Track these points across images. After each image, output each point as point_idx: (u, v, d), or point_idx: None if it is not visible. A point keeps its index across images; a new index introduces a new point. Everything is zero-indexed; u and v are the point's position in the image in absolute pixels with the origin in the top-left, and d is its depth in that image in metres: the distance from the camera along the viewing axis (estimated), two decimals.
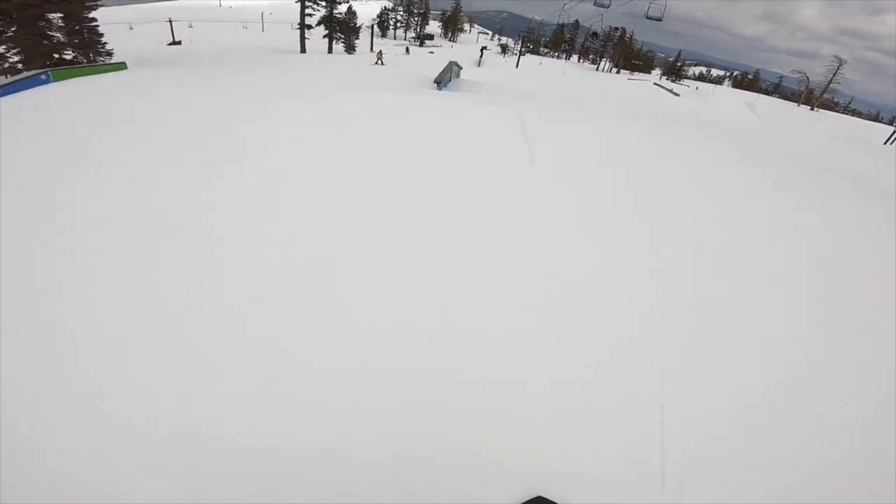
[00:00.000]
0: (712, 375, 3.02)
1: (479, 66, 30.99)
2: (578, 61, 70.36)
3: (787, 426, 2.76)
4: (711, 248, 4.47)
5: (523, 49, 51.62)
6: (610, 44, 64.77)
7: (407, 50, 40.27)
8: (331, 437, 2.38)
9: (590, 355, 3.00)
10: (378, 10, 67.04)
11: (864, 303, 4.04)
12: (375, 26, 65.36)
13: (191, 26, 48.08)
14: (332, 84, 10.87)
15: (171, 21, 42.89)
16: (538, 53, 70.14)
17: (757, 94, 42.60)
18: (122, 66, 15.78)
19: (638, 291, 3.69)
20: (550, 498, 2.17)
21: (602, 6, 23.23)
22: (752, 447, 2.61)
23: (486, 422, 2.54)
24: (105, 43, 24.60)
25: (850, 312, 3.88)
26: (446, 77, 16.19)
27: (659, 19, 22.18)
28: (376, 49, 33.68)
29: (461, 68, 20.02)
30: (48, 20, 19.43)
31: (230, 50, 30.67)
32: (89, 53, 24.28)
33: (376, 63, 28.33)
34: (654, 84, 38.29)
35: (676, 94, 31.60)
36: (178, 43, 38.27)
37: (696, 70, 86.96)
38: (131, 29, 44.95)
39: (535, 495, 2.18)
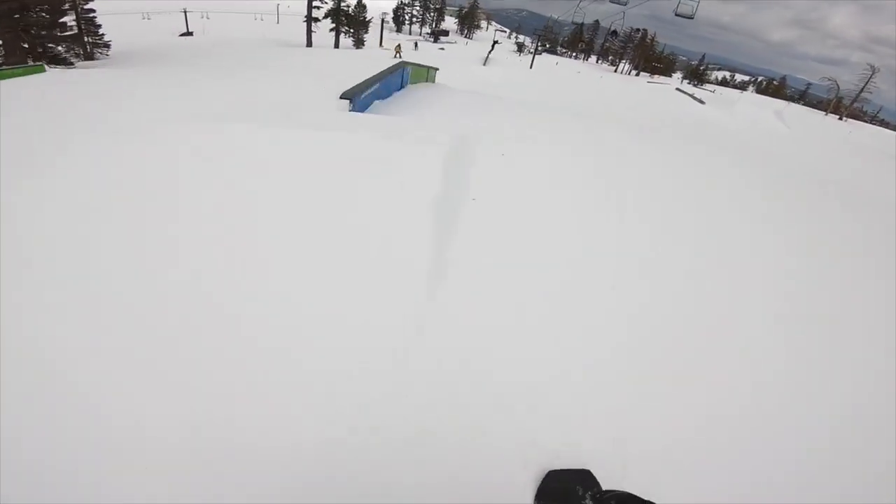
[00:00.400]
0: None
1: (484, 64, 28.60)
2: (597, 62, 67.61)
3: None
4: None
5: (539, 48, 49.14)
6: (630, 45, 61.70)
7: (416, 45, 38.15)
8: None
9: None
10: (394, 5, 65.09)
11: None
12: (391, 20, 63.76)
13: (205, 17, 47.14)
14: (243, 101, 8.01)
15: (185, 11, 42.03)
16: (555, 53, 67.52)
17: (787, 103, 38.87)
18: (39, 68, 14.06)
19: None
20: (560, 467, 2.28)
21: (619, 3, 21.01)
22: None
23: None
24: (103, 34, 23.44)
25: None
26: (376, 87, 9.45)
27: (690, 17, 19.79)
28: (394, 43, 34.40)
29: (436, 69, 15.09)
30: (31, 11, 18.12)
31: (234, 42, 29.39)
32: (85, 45, 23.18)
33: (395, 56, 28.73)
34: (677, 89, 34.51)
35: (701, 102, 27.86)
36: (190, 34, 37.34)
37: (720, 75, 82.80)
38: (148, 19, 44.23)
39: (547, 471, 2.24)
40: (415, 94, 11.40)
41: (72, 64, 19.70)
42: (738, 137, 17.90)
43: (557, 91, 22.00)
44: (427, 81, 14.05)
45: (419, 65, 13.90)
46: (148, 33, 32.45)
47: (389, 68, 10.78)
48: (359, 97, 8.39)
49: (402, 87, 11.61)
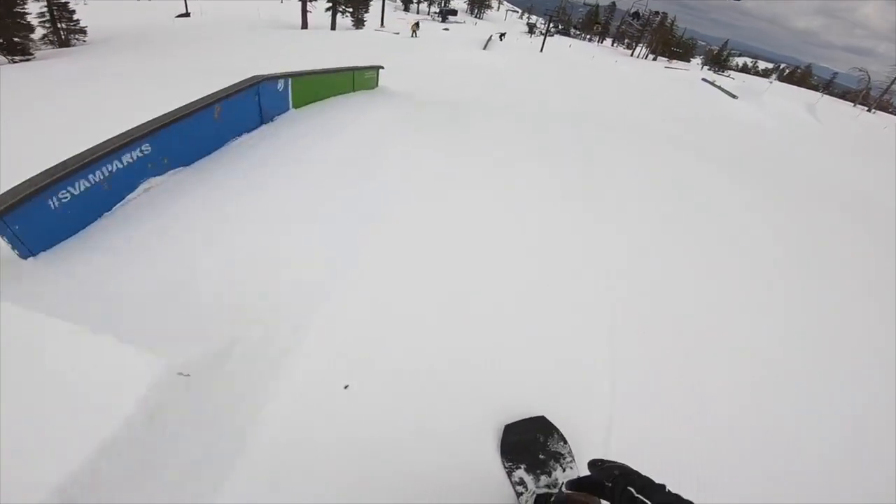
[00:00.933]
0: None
1: (484, 48, 25.55)
2: (612, 45, 63.24)
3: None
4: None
5: (552, 30, 45.41)
6: (648, 28, 57.18)
7: (417, 25, 34.70)
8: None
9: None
10: None
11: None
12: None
13: None
14: None
15: None
16: (568, 35, 63.21)
17: (819, 94, 34.59)
18: None
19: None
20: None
21: None
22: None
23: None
24: (78, 20, 21.23)
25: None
26: (139, 152, 3.79)
27: None
28: (405, 22, 33.72)
29: (378, 69, 10.15)
30: None
31: (226, 24, 26.87)
32: (59, 32, 21.00)
33: (412, 36, 28.24)
34: (703, 80, 28.98)
35: (733, 96, 22.99)
36: (187, 15, 34.78)
37: (741, 61, 77.31)
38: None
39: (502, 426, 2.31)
40: (289, 129, 5.92)
41: (31, 55, 17.56)
42: (777, 149, 14.95)
43: (566, 82, 19.09)
44: (354, 91, 9.08)
45: (327, 72, 7.89)
46: (144, 15, 30.22)
47: (213, 95, 4.81)
48: (43, 209, 2.99)
49: (263, 121, 5.88)
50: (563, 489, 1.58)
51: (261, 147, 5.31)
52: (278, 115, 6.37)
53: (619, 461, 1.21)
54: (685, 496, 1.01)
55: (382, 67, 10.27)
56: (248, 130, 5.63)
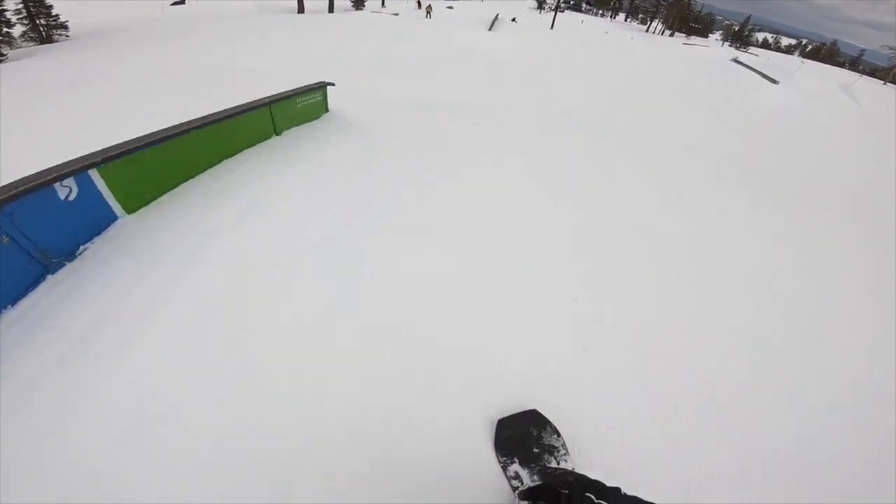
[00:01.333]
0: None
1: (490, 29, 23.70)
2: (626, 20, 60.49)
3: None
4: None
5: (563, 5, 43.05)
6: (665, 3, 54.39)
7: (419, 5, 32.64)
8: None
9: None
10: None
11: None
12: None
13: None
14: None
15: None
16: (579, 10, 60.49)
17: (857, 75, 32.02)
18: None
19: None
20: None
21: None
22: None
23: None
24: (57, 15, 19.70)
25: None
26: None
27: None
28: (415, 2, 33.45)
29: (326, 86, 6.98)
30: None
31: (221, 11, 25.10)
32: (39, 28, 19.59)
33: (426, 17, 27.66)
34: (734, 61, 25.31)
35: (774, 81, 19.49)
36: (183, 3, 33.27)
37: (761, 36, 73.91)
38: None
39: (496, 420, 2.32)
40: (102, 277, 3.04)
41: (4, 55, 15.87)
42: (812, 135, 13.55)
43: (578, 67, 17.39)
44: (277, 134, 5.88)
45: (211, 122, 4.41)
46: (138, 4, 28.54)
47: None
48: None
49: (47, 269, 3.01)
50: (517, 499, 1.59)
51: (33, 346, 2.52)
52: (92, 238, 3.42)
53: (569, 468, 1.30)
54: (685, 496, 1.14)
55: (332, 84, 7.22)
56: (13, 301, 2.79)
